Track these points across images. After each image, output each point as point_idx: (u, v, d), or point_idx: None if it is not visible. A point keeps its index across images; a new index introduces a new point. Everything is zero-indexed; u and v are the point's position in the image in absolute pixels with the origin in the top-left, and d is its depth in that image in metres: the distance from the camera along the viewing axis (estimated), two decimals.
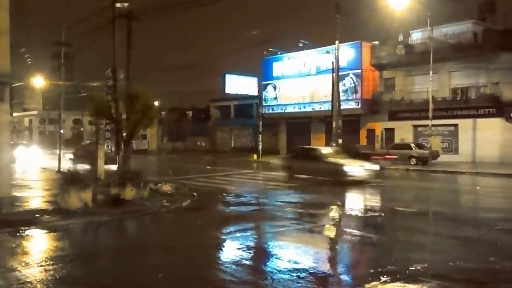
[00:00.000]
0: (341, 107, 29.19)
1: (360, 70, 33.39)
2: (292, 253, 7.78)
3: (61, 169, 20.76)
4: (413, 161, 26.39)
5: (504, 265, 6.93)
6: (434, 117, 26.98)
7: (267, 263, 7.22)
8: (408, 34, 32.98)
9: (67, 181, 11.70)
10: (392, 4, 23.13)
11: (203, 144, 52.56)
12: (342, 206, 13.51)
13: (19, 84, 40.83)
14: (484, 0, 33.07)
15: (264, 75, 41.24)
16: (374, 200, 14.96)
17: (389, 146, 29.20)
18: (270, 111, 40.53)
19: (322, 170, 18.44)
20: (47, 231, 9.41)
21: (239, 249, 8.03)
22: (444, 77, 30.20)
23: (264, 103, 40.63)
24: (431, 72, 26.35)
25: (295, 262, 6.99)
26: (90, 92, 35.54)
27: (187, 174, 21.72)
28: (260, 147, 37.43)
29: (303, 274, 6.39)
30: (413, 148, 27.12)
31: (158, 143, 55.00)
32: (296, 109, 38.36)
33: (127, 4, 17.76)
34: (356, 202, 14.82)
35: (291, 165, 20.46)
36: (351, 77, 33.75)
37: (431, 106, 26.48)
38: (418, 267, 6.68)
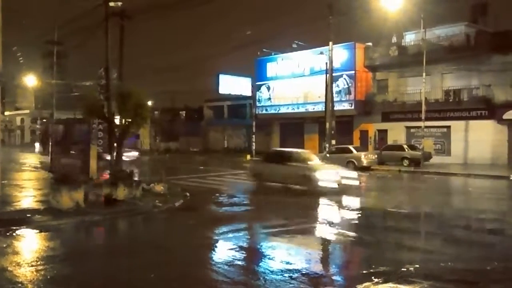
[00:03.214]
0: (335, 108, 29.29)
1: (353, 71, 33.52)
2: (284, 254, 7.79)
3: None
4: (406, 162, 26.50)
5: (495, 266, 6.98)
6: (427, 119, 27.14)
7: (260, 264, 7.21)
8: (401, 35, 33.16)
9: (59, 180, 11.62)
10: (385, 6, 23.27)
11: (196, 145, 52.42)
12: (334, 207, 13.52)
13: (10, 82, 40.52)
14: (476, 2, 33.33)
15: (258, 76, 41.26)
16: (365, 201, 14.99)
17: (382, 147, 29.33)
18: (264, 111, 40.55)
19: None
20: (38, 231, 9.34)
21: (231, 249, 8.02)
22: (437, 79, 30.39)
23: (257, 104, 40.65)
24: (424, 74, 26.49)
25: (288, 263, 7.00)
26: (82, 92, 35.42)
27: (180, 174, 21.62)
28: (254, 147, 37.42)
29: (295, 275, 6.39)
30: (406, 150, 27.23)
31: (151, 143, 54.81)
32: (290, 110, 38.41)
33: (121, 3, 17.67)
34: (347, 203, 14.83)
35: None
36: (344, 78, 33.86)
37: (423, 107, 26.62)
38: (410, 268, 6.70)
